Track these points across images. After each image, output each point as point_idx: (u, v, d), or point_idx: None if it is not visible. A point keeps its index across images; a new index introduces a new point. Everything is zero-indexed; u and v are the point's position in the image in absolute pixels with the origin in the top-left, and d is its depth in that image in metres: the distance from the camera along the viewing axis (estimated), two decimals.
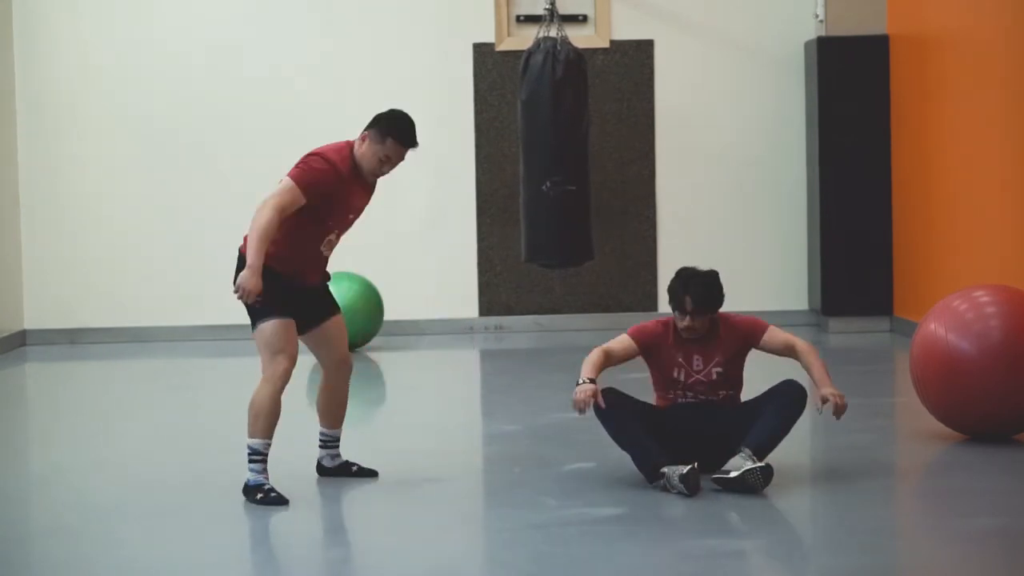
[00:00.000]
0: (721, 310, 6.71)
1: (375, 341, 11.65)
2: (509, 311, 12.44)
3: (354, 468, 6.88)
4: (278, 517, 6.24)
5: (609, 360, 6.61)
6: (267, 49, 12.30)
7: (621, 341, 6.67)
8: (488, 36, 12.35)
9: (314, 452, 6.95)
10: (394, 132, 6.40)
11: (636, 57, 12.17)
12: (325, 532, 6.01)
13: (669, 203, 12.22)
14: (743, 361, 6.75)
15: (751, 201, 12.38)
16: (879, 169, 11.85)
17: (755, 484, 6.33)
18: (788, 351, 6.72)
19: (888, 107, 11.82)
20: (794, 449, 7.65)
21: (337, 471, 6.86)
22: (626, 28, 12.26)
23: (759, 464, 6.35)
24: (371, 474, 6.85)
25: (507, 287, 12.40)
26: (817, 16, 12.08)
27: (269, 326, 6.37)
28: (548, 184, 10.90)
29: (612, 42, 12.25)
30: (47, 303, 12.28)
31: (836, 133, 11.88)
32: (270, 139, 12.12)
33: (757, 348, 6.73)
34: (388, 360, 11.07)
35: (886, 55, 11.81)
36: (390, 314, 11.93)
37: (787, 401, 6.59)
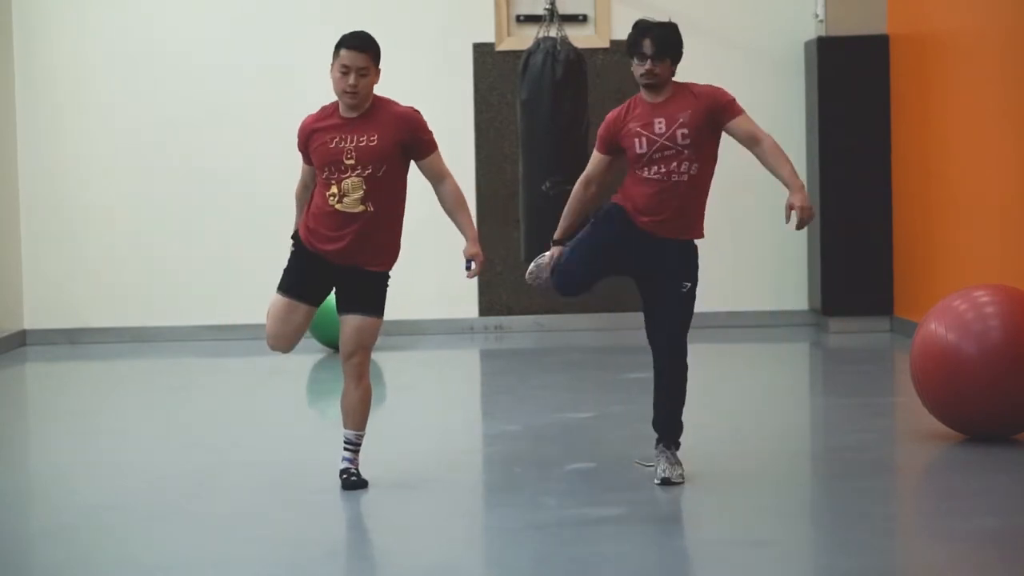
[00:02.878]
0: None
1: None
2: (509, 311, 12.44)
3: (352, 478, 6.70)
4: (278, 517, 6.25)
5: (588, 186, 6.63)
6: (267, 47, 12.29)
7: (591, 159, 6.66)
8: (488, 36, 12.35)
9: (314, 452, 6.96)
10: (341, 42, 6.62)
11: None
12: (325, 532, 6.01)
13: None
14: (714, 140, 6.46)
15: (751, 201, 12.37)
16: (879, 169, 11.84)
17: (677, 482, 6.47)
18: (752, 144, 6.44)
19: (888, 107, 11.82)
20: (794, 449, 7.65)
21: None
22: (626, 28, 12.03)
23: (673, 474, 6.46)
24: (361, 485, 6.67)
25: (507, 287, 12.40)
26: (817, 16, 12.08)
27: (272, 299, 6.59)
28: (548, 184, 10.89)
29: (612, 42, 12.25)
30: (47, 303, 12.27)
31: (836, 133, 11.87)
32: (270, 138, 12.10)
33: (725, 129, 6.46)
34: (388, 360, 11.07)
35: (886, 55, 11.80)
36: (390, 314, 11.88)
37: (673, 380, 6.53)
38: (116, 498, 6.62)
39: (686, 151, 6.39)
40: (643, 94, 6.54)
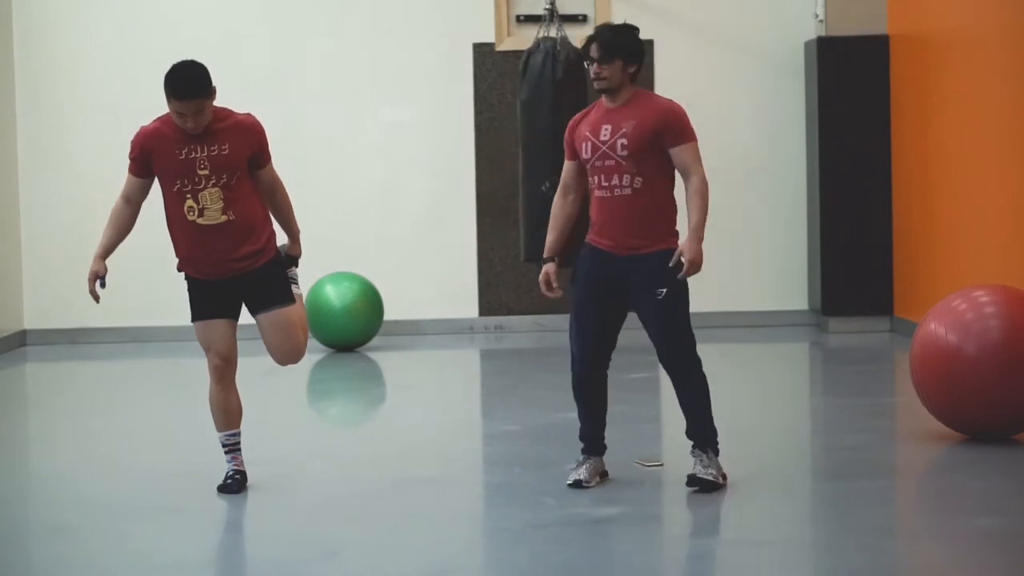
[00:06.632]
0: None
1: (375, 341, 11.65)
2: (509, 311, 12.44)
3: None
4: (278, 517, 6.25)
5: (566, 195, 6.54)
6: (267, 48, 12.30)
7: (564, 167, 6.56)
8: (488, 36, 12.36)
9: (314, 452, 6.95)
10: (167, 90, 6.32)
11: None
12: (325, 531, 6.01)
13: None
14: (658, 158, 6.28)
15: (751, 201, 12.38)
16: (879, 169, 11.85)
17: (716, 486, 6.37)
18: (684, 175, 6.29)
19: (888, 107, 11.82)
20: (794, 449, 7.66)
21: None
22: None
23: (704, 473, 6.37)
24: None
25: (507, 287, 12.41)
26: (817, 16, 12.08)
27: (195, 328, 6.57)
28: (548, 184, 10.87)
29: None
30: (47, 303, 12.28)
31: (836, 133, 11.88)
32: (269, 138, 12.08)
33: (669, 150, 6.28)
34: (388, 360, 11.07)
35: (886, 55, 11.81)
36: (390, 314, 11.93)
37: (689, 391, 6.42)
38: (116, 498, 6.62)
39: (624, 163, 6.29)
40: (603, 98, 6.50)
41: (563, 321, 12.39)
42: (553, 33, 11.00)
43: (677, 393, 6.47)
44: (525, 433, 7.92)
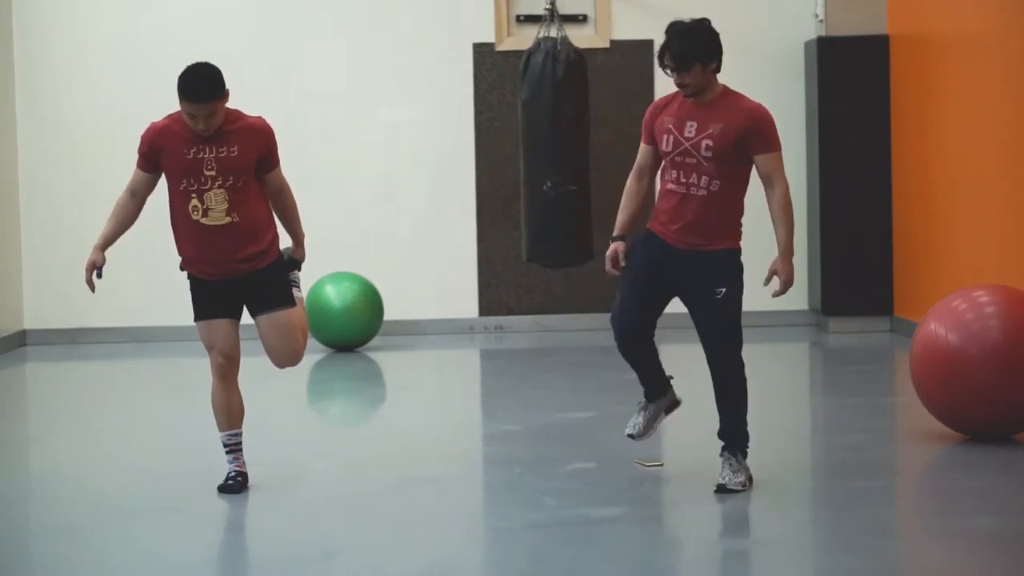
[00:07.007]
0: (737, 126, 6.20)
1: (375, 341, 11.65)
2: (509, 311, 12.44)
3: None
4: (278, 516, 6.25)
5: (641, 178, 6.44)
6: (267, 48, 12.29)
7: (640, 150, 6.46)
8: (488, 36, 12.35)
9: (314, 452, 6.95)
10: (180, 91, 6.35)
11: (636, 57, 12.17)
12: (325, 531, 6.01)
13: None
14: (742, 162, 6.24)
15: (750, 201, 12.33)
16: (879, 169, 11.85)
17: (735, 489, 6.35)
18: (767, 184, 6.29)
19: (888, 107, 11.82)
20: (794, 449, 7.66)
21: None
22: (626, 28, 12.25)
23: (731, 482, 6.34)
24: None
25: (507, 287, 12.40)
26: (817, 16, 12.08)
27: (197, 328, 6.56)
28: (548, 184, 10.90)
29: (612, 42, 12.25)
30: (47, 303, 12.27)
31: (836, 133, 11.87)
32: None
33: (755, 156, 6.23)
34: (388, 360, 11.07)
35: (886, 55, 11.80)
36: (390, 314, 11.92)
37: (726, 391, 6.41)
38: (116, 497, 6.62)
39: (706, 164, 6.20)
40: None
41: (563, 321, 12.41)
42: (553, 33, 11.01)
43: (716, 392, 6.43)
44: (525, 433, 7.92)
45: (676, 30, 6.25)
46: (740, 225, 6.42)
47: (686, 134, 6.23)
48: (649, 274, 6.37)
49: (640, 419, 6.57)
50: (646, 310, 6.40)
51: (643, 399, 6.61)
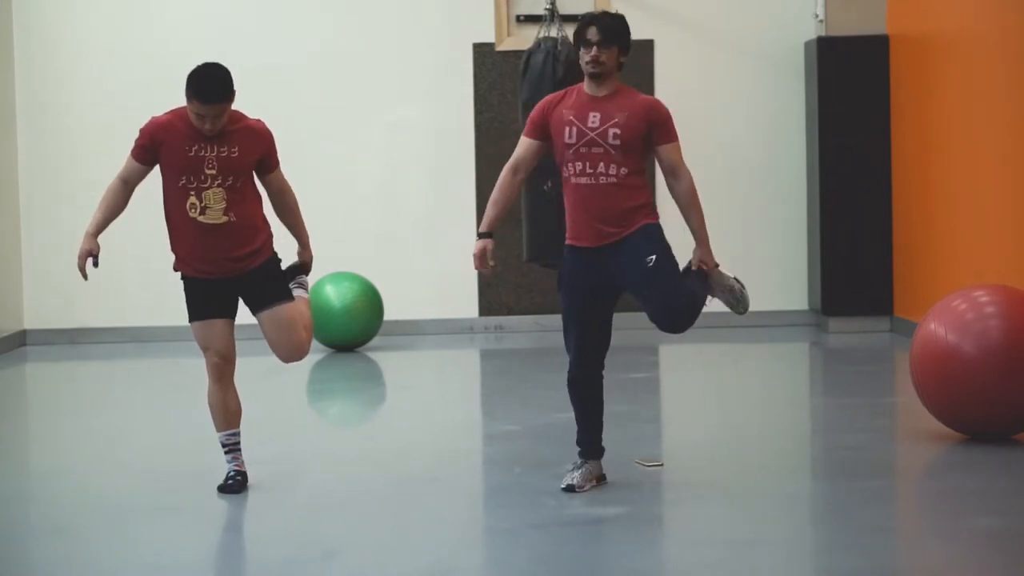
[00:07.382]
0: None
1: (375, 341, 11.65)
2: (509, 311, 12.44)
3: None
4: (278, 517, 6.25)
5: (516, 172, 6.48)
6: (267, 48, 12.29)
7: (520, 143, 6.50)
8: (488, 36, 12.35)
9: (314, 452, 6.96)
10: (190, 91, 6.39)
11: (636, 57, 12.16)
12: (325, 531, 6.01)
13: (669, 203, 12.16)
14: (644, 150, 6.29)
15: (751, 201, 12.38)
16: (879, 169, 11.85)
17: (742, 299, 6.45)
18: (671, 175, 6.34)
19: (888, 107, 11.82)
20: (794, 449, 7.66)
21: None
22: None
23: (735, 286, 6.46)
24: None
25: (507, 287, 12.41)
26: (817, 16, 12.08)
27: (192, 328, 6.60)
28: (548, 184, 10.88)
29: None
30: (47, 303, 12.28)
31: (836, 133, 11.88)
32: None
33: (653, 149, 6.30)
34: (388, 360, 11.07)
35: (886, 55, 11.81)
36: (390, 314, 11.93)
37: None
38: (116, 497, 6.62)
39: (614, 151, 6.27)
40: (585, 85, 6.39)
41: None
42: (553, 33, 11.00)
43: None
44: (525, 433, 7.92)
45: (600, 13, 6.44)
46: (653, 205, 6.41)
47: (590, 124, 6.30)
48: (583, 299, 6.37)
49: (577, 475, 6.51)
50: (594, 342, 6.40)
51: (578, 457, 6.58)
